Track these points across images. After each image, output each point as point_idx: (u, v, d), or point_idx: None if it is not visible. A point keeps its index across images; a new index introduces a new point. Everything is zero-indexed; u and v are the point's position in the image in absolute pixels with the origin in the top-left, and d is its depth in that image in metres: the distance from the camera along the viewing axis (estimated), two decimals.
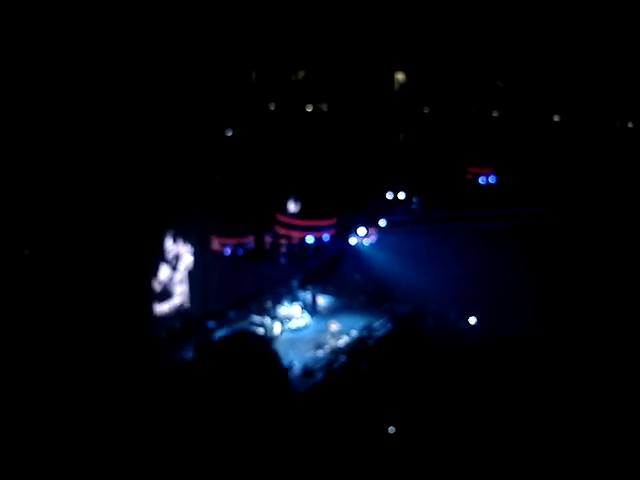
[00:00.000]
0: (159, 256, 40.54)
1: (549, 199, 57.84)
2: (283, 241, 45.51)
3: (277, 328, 41.21)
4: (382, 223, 52.12)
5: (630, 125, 65.61)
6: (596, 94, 65.26)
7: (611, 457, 30.99)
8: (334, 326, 41.51)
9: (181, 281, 41.38)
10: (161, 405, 31.52)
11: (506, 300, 46.29)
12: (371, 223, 50.23)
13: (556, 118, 68.22)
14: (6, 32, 41.18)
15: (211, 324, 40.53)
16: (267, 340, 37.85)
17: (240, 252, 41.92)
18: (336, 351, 39.49)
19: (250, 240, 42.93)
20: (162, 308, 40.48)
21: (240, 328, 40.74)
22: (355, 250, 49.37)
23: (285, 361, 36.40)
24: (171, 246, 41.07)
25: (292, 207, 46.65)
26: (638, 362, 38.50)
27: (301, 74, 68.95)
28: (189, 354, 36.10)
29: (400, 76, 72.08)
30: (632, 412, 34.06)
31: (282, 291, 45.24)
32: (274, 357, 35.23)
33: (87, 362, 33.41)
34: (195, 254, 42.06)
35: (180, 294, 41.23)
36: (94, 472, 27.39)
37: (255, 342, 36.71)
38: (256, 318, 42.11)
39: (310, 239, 43.87)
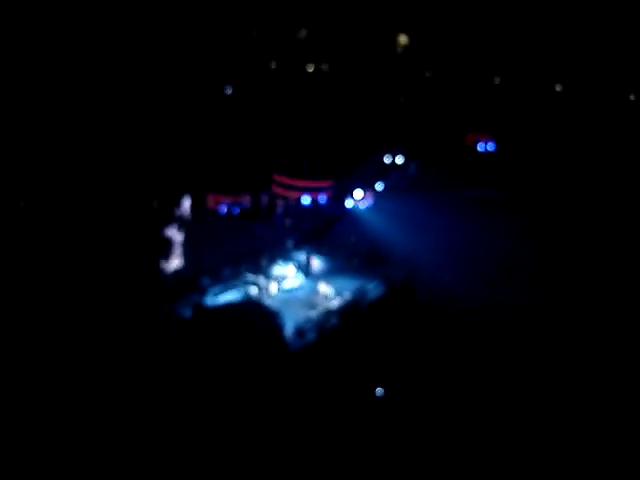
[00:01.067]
0: (157, 212, 40.52)
1: (548, 169, 57.81)
2: (279, 201, 45.44)
3: (272, 287, 41.36)
4: (379, 187, 52.06)
5: (632, 97, 65.34)
6: (599, 64, 64.82)
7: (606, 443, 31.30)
8: (327, 288, 41.67)
9: (178, 237, 41.24)
10: (158, 362, 31.79)
11: (500, 267, 46.48)
12: (368, 186, 50.15)
13: (558, 87, 67.85)
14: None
15: (206, 281, 40.67)
16: (267, 314, 37.73)
17: (236, 211, 41.79)
18: (328, 312, 39.66)
19: (246, 199, 42.80)
20: (160, 264, 40.41)
21: (236, 289, 41.03)
22: (351, 213, 49.36)
23: (278, 320, 36.73)
24: (169, 202, 40.98)
25: (290, 167, 46.50)
26: (628, 337, 38.82)
27: (303, 33, 68.26)
28: (184, 311, 36.22)
29: (403, 38, 71.43)
30: (621, 384, 34.36)
31: (277, 251, 45.29)
32: (272, 334, 35.47)
33: (86, 317, 33.71)
34: (191, 211, 41.95)
35: (177, 250, 41.12)
36: (95, 450, 27.59)
37: (254, 317, 36.77)
38: (250, 277, 42.24)
39: (306, 200, 43.76)
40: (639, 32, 62.79)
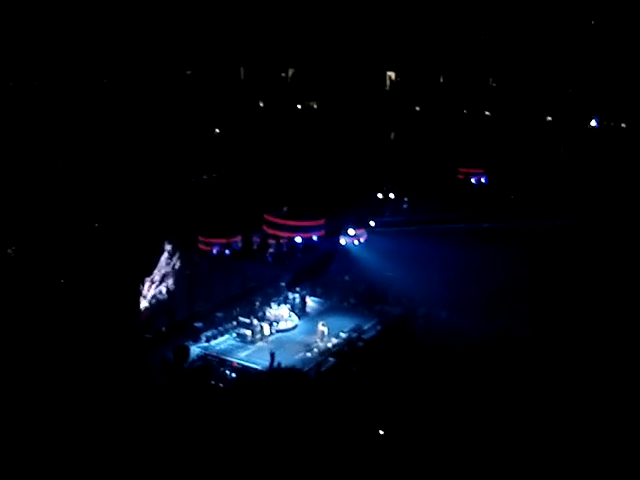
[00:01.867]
0: (147, 256, 40.05)
1: (540, 200, 57.62)
2: (271, 241, 44.90)
3: (266, 330, 40.65)
4: (372, 223, 51.65)
5: (623, 125, 65.53)
6: (588, 95, 65.13)
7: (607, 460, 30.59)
8: (323, 328, 40.98)
9: (169, 281, 40.68)
10: (148, 403, 31.13)
11: (496, 301, 45.92)
12: (361, 223, 49.71)
13: (548, 118, 68.06)
14: (6, 32, 40.79)
15: (198, 324, 39.97)
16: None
17: (227, 252, 41.28)
18: (325, 353, 38.95)
19: (237, 240, 42.27)
20: (150, 308, 39.76)
21: (229, 333, 40.42)
22: (345, 251, 48.83)
23: (274, 363, 36.03)
24: (159, 246, 40.48)
25: (280, 207, 46.06)
26: (629, 363, 38.22)
27: (291, 72, 68.48)
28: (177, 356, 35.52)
29: (392, 74, 71.74)
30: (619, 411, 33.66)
31: (270, 292, 44.63)
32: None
33: (76, 361, 33.11)
34: (183, 254, 41.46)
35: (167, 294, 40.52)
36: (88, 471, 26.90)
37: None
38: (244, 319, 41.53)
39: (298, 240, 43.24)
40: (626, 65, 63.20)
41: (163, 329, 39.16)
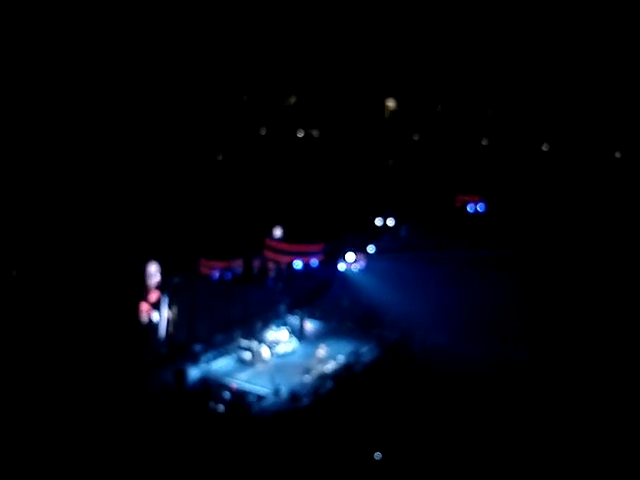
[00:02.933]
0: (147, 279, 40.34)
1: (537, 227, 58.18)
2: (271, 265, 45.39)
3: (265, 352, 40.97)
4: (371, 249, 52.17)
5: (617, 155, 66.24)
6: (584, 123, 65.92)
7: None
8: (321, 351, 41.35)
9: (169, 304, 40.97)
10: (147, 428, 31.33)
11: (493, 327, 46.28)
12: (360, 249, 50.22)
13: (545, 147, 68.83)
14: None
15: (198, 347, 40.32)
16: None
17: (228, 276, 41.69)
18: (323, 376, 39.22)
19: (238, 264, 42.71)
20: (150, 331, 40.01)
21: (229, 355, 40.73)
22: (343, 276, 49.31)
23: (272, 386, 36.29)
24: (159, 269, 40.80)
25: (281, 232, 46.60)
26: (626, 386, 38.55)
27: (292, 99, 69.44)
28: (176, 379, 35.82)
29: (391, 103, 72.68)
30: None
31: (270, 315, 45.06)
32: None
33: (76, 382, 33.30)
34: (183, 277, 41.81)
35: (168, 317, 40.78)
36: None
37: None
38: (243, 342, 41.90)
39: (298, 264, 43.72)
40: (623, 92, 64.04)
41: (164, 351, 39.54)
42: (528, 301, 49.31)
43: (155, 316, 40.26)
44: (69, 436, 30.01)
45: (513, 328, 46.28)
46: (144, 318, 39.82)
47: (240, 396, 35.61)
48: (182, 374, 35.16)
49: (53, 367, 34.63)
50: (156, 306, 40.36)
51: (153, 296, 40.38)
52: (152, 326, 40.27)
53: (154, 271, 40.61)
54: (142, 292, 39.71)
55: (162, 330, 40.40)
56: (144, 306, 39.94)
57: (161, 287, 40.73)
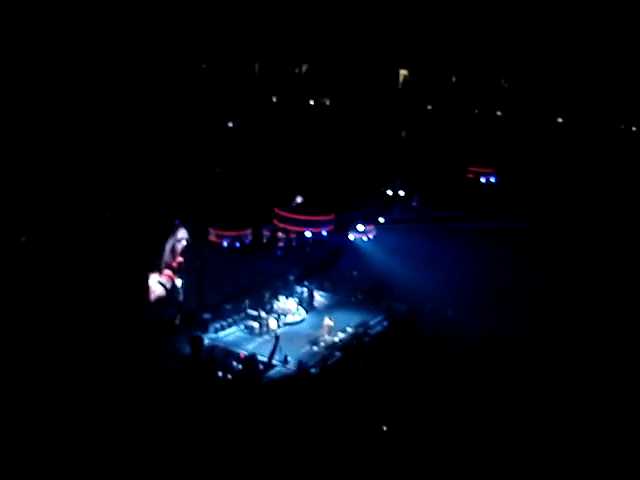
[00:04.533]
0: (156, 247, 40.21)
1: (550, 201, 57.64)
2: (281, 235, 45.15)
3: (273, 323, 40.95)
4: (381, 220, 51.82)
5: (634, 129, 65.40)
6: (600, 97, 65.04)
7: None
8: (330, 322, 41.27)
9: (180, 270, 40.85)
10: (158, 395, 31.35)
11: (504, 301, 46.06)
12: (370, 220, 49.90)
13: (559, 120, 68.02)
14: (6, 32, 40.95)
15: (207, 315, 40.29)
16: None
17: (237, 245, 41.50)
18: (331, 347, 39.22)
19: (248, 233, 42.49)
20: (163, 289, 39.84)
21: (237, 325, 40.66)
22: (353, 247, 49.06)
23: (280, 356, 36.25)
24: (176, 235, 40.65)
25: (291, 201, 46.29)
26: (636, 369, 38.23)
27: (304, 67, 68.73)
28: (184, 346, 35.77)
29: (404, 72, 71.85)
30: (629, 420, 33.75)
31: (279, 285, 44.97)
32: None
33: (84, 349, 33.31)
34: (192, 245, 41.68)
35: (176, 281, 40.67)
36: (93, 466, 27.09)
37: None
38: (252, 311, 41.90)
39: (308, 234, 43.46)
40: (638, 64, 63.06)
41: (177, 321, 39.47)
42: (540, 275, 49.01)
43: (178, 282, 40.14)
44: (76, 406, 30.01)
45: (523, 304, 46.04)
46: (167, 284, 39.62)
47: (248, 365, 35.60)
48: (199, 341, 34.93)
49: (63, 332, 34.60)
50: (178, 272, 40.26)
51: (177, 262, 40.28)
52: (174, 292, 40.11)
53: (181, 236, 40.50)
54: (150, 260, 39.48)
55: (180, 297, 40.32)
56: (167, 272, 39.77)
57: (185, 253, 40.57)
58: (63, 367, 32.14)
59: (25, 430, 28.15)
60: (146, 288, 38.64)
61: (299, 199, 46.16)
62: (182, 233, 40.48)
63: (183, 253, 40.57)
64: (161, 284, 38.99)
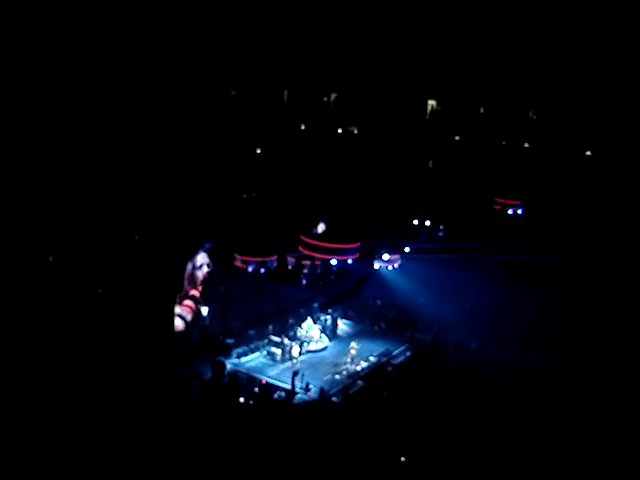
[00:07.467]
0: (182, 271, 40.36)
1: (578, 234, 57.20)
2: (306, 262, 45.24)
3: (295, 350, 40.85)
4: (407, 249, 51.76)
5: None
6: (630, 130, 64.66)
7: None
8: (353, 351, 41.14)
9: (203, 297, 40.89)
10: (177, 417, 31.33)
11: (530, 334, 45.63)
12: (396, 249, 49.87)
13: (588, 153, 67.70)
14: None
15: (230, 340, 40.33)
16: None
17: (262, 271, 41.61)
18: (354, 376, 39.03)
19: (273, 259, 42.62)
20: (183, 322, 39.83)
21: (260, 351, 40.65)
22: (378, 275, 49.03)
23: (302, 383, 36.14)
24: (195, 262, 40.75)
25: (317, 229, 46.43)
26: None
27: (333, 96, 69.25)
28: (207, 370, 35.76)
29: (432, 102, 72.12)
30: None
31: (302, 312, 44.93)
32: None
33: (105, 372, 33.38)
34: (216, 270, 41.80)
35: (202, 310, 40.69)
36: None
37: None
38: (275, 338, 41.86)
39: (334, 262, 43.49)
40: None
41: (195, 343, 39.44)
42: (566, 309, 48.47)
43: (204, 310, 40.02)
44: (98, 424, 30.04)
45: (551, 336, 45.54)
46: (187, 316, 39.36)
47: (270, 391, 35.55)
48: (221, 366, 34.89)
49: (90, 353, 34.73)
50: (201, 300, 40.18)
51: (198, 290, 40.19)
52: (199, 320, 39.98)
53: (200, 262, 40.46)
54: (176, 284, 39.45)
55: (205, 322, 40.19)
56: (187, 302, 39.65)
57: (207, 280, 40.55)
58: (84, 390, 32.25)
59: (48, 447, 28.35)
60: (171, 315, 38.60)
61: (321, 227, 46.29)
62: (202, 259, 40.49)
63: (205, 281, 40.57)
64: (181, 317, 38.92)
